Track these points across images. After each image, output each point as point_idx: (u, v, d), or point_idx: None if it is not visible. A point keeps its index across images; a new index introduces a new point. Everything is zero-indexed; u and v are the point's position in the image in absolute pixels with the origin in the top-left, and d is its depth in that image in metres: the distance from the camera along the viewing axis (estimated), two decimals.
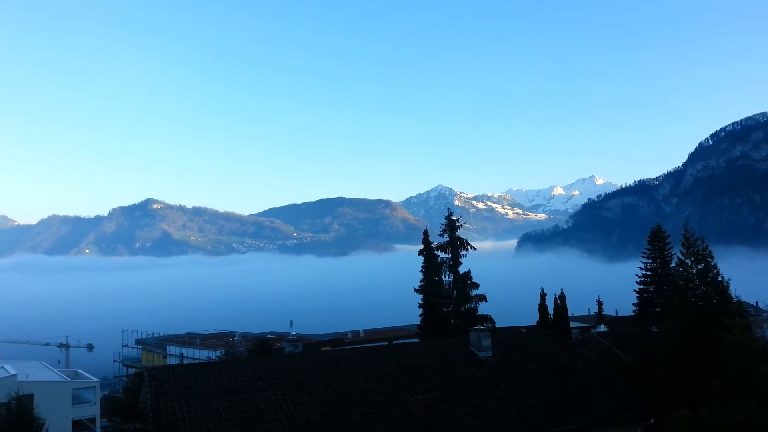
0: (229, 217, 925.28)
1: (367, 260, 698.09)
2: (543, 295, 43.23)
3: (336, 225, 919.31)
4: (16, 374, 53.12)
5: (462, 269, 43.21)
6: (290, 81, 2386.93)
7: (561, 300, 41.39)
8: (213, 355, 75.32)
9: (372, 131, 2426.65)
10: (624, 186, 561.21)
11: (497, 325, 42.35)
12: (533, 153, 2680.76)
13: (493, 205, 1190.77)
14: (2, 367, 58.50)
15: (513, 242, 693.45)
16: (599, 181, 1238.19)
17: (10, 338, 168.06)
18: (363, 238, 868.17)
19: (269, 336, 78.46)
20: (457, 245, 43.52)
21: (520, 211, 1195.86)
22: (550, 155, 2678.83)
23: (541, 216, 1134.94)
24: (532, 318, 48.37)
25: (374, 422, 20.81)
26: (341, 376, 23.16)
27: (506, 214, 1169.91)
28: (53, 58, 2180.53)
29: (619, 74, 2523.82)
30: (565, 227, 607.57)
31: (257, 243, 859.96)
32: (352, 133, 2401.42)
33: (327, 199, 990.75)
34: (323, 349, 56.35)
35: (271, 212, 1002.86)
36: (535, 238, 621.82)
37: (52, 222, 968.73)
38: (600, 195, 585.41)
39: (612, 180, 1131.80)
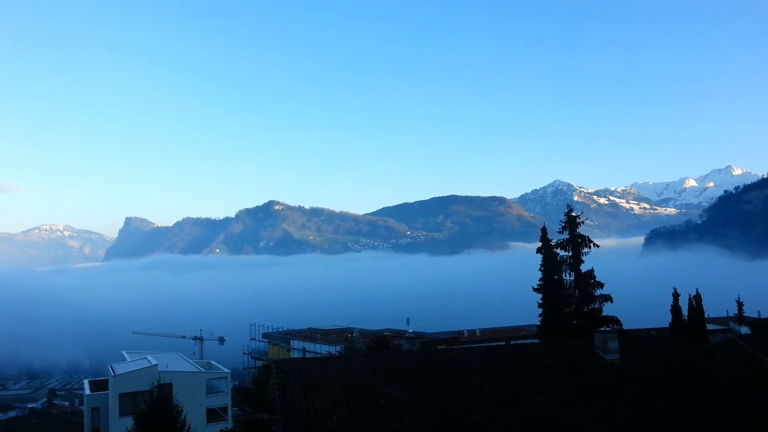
0: (344, 217, 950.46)
1: (482, 258, 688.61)
2: (676, 295, 40.17)
3: (449, 223, 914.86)
4: (157, 364, 57.68)
5: (584, 268, 41.28)
6: (402, 79, 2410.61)
7: (696, 300, 38.02)
8: (333, 350, 77.77)
9: (484, 127, 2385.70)
10: (766, 176, 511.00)
11: (624, 327, 40.07)
12: (661, 143, 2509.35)
13: (617, 200, 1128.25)
14: (145, 358, 63.80)
15: (640, 239, 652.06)
16: (737, 172, 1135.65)
17: (151, 331, 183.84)
18: (477, 236, 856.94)
19: (386, 333, 79.76)
20: (578, 243, 41.54)
21: (647, 206, 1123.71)
22: (680, 145, 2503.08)
23: (672, 210, 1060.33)
24: (662, 320, 45.16)
25: (494, 423, 20.44)
26: (459, 374, 22.94)
27: (631, 209, 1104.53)
28: (183, 75, 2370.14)
29: (758, 55, 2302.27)
30: (699, 222, 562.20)
31: (371, 242, 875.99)
32: (464, 130, 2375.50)
33: (440, 197, 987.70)
34: (439, 347, 56.33)
35: (385, 211, 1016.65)
36: (666, 235, 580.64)
37: (186, 224, 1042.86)
38: (738, 186, 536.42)
39: (751, 170, 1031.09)
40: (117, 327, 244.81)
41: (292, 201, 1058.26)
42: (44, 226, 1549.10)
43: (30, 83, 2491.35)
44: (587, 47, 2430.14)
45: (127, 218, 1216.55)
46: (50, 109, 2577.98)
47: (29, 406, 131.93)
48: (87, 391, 61.69)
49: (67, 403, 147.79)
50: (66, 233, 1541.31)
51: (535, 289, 42.36)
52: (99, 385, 62.09)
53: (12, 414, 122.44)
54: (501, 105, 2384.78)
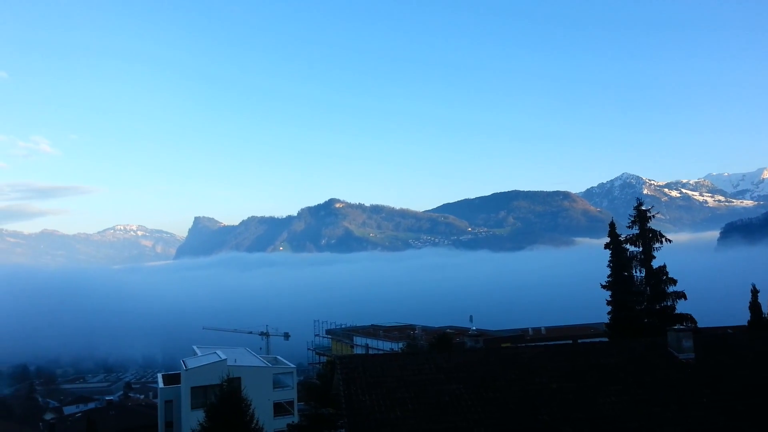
0: (404, 214, 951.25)
1: (546, 255, 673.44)
2: (755, 292, 38.19)
3: (511, 219, 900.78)
4: (226, 359, 59.39)
5: (655, 264, 39.68)
6: (456, 78, 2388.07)
7: None
8: (395, 346, 77.97)
9: (546, 120, 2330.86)
10: None
11: (699, 325, 38.37)
12: (737, 132, 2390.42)
13: (690, 193, 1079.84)
14: (215, 353, 65.78)
15: (715, 233, 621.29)
16: None
17: (219, 326, 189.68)
18: (540, 231, 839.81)
19: (448, 330, 79.26)
20: (648, 237, 39.92)
21: (722, 198, 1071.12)
22: (757, 134, 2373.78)
23: (749, 203, 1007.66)
24: (740, 318, 43.04)
25: (562, 423, 19.96)
26: (525, 373, 22.47)
27: (705, 202, 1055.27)
28: (248, 79, 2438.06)
29: None
30: None
31: (432, 238, 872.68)
32: (525, 123, 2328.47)
33: (501, 193, 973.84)
34: (503, 345, 55.60)
35: (445, 208, 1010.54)
36: (742, 228, 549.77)
37: (251, 222, 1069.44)
38: None
39: None
40: (188, 322, 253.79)
41: (353, 199, 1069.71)
42: (119, 226, 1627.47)
43: (102, 93, 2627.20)
44: (660, 36, 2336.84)
45: (195, 218, 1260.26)
46: (122, 117, 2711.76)
47: (107, 398, 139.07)
48: (160, 385, 64.23)
49: (141, 396, 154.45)
50: (139, 233, 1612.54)
51: (603, 286, 41.09)
52: (172, 379, 64.50)
53: (91, 405, 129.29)
54: (563, 96, 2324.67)
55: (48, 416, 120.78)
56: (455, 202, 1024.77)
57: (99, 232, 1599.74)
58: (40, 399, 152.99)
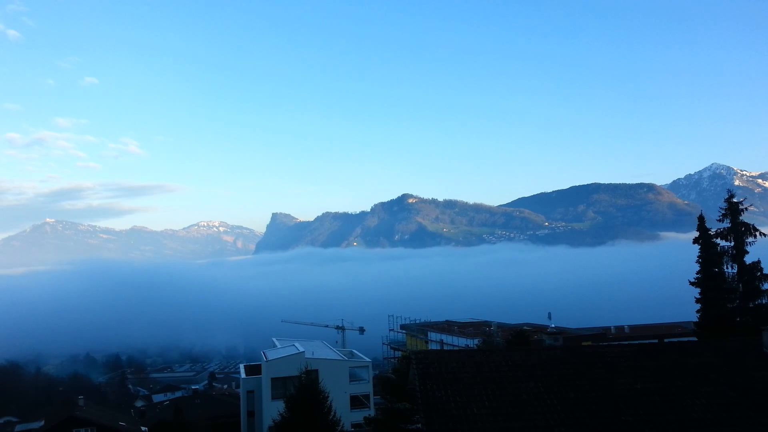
0: (478, 209, 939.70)
1: (628, 250, 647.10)
2: None
3: (591, 213, 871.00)
4: (304, 351, 60.96)
5: (749, 259, 37.43)
6: (530, 71, 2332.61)
7: None
8: (471, 343, 77.27)
9: (628, 107, 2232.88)
10: None
11: None
12: None
13: None
14: (293, 345, 67.70)
15: None
16: None
17: (297, 320, 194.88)
18: (622, 226, 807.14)
19: (525, 327, 77.81)
20: (741, 231, 37.70)
21: None
22: None
23: None
24: None
25: (648, 425, 19.19)
26: (607, 372, 21.73)
27: None
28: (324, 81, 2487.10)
29: None
30: None
31: (507, 233, 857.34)
32: (605, 112, 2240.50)
33: (580, 186, 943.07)
34: (584, 343, 53.98)
35: (520, 202, 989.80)
36: None
37: (325, 218, 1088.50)
38: None
39: None
40: (267, 315, 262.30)
41: (426, 194, 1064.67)
42: (202, 223, 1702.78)
43: (186, 96, 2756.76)
44: (751, 22, 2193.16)
45: (273, 214, 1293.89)
46: (204, 118, 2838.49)
47: (193, 387, 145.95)
48: (242, 375, 66.61)
49: (225, 386, 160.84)
50: (221, 229, 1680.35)
51: (692, 283, 39.17)
52: (253, 370, 66.76)
53: (178, 394, 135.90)
54: (647, 82, 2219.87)
55: (139, 403, 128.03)
56: (531, 196, 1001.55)
57: (184, 228, 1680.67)
58: (131, 387, 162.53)
